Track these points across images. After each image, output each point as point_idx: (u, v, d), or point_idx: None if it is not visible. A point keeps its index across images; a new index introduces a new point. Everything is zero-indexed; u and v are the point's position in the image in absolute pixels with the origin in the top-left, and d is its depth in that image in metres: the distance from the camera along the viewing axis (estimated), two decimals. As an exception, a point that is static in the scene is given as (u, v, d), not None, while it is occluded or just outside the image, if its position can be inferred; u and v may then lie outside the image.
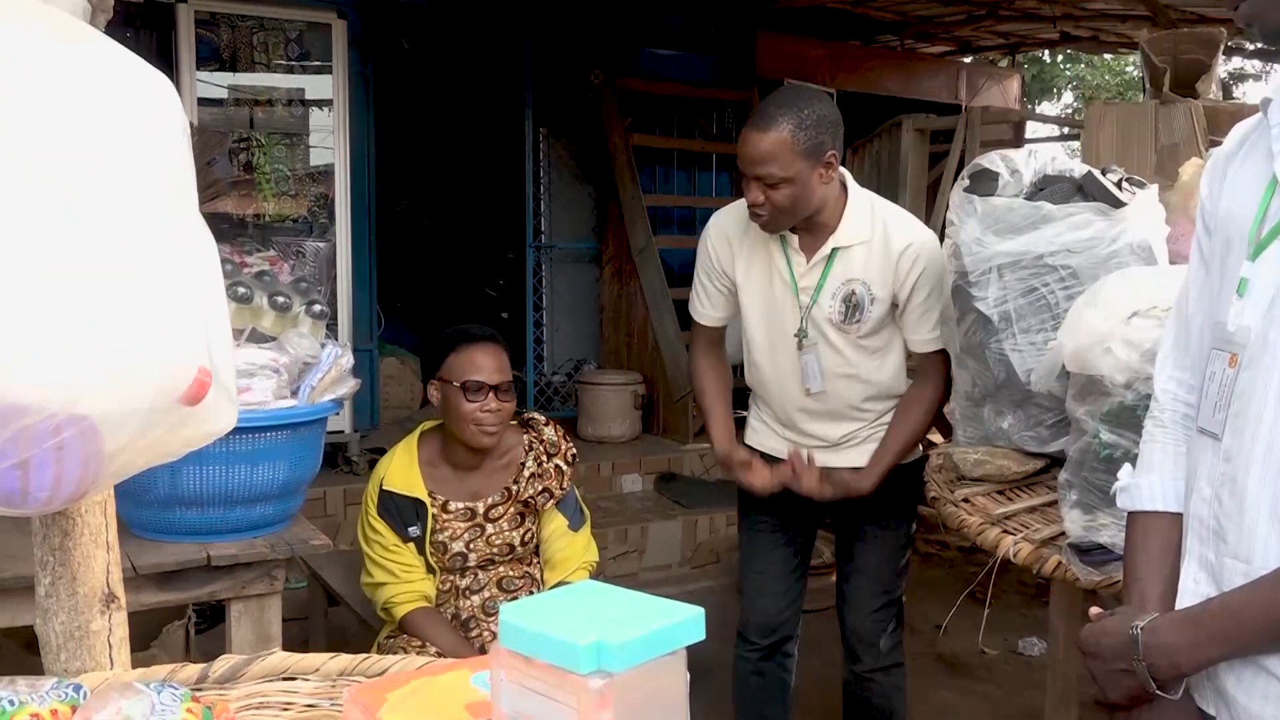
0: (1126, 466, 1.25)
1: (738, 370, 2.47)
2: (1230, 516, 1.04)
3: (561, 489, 2.30)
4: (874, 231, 2.14)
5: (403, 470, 2.24)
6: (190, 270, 0.98)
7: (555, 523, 2.32)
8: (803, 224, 2.13)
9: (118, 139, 0.93)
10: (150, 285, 0.92)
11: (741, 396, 2.45)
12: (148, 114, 0.97)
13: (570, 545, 2.32)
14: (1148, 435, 1.23)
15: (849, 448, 2.27)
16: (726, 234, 2.25)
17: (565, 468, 2.30)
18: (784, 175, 2.00)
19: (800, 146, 2.00)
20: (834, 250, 2.14)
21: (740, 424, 2.41)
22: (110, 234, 0.90)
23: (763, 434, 2.36)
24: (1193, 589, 1.09)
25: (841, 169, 2.14)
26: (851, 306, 2.15)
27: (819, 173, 2.04)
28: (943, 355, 2.20)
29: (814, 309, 2.17)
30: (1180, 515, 1.15)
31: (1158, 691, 1.07)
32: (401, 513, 2.22)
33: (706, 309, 2.33)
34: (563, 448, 2.31)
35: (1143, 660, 1.07)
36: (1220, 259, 1.11)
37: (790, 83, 5.91)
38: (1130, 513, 1.22)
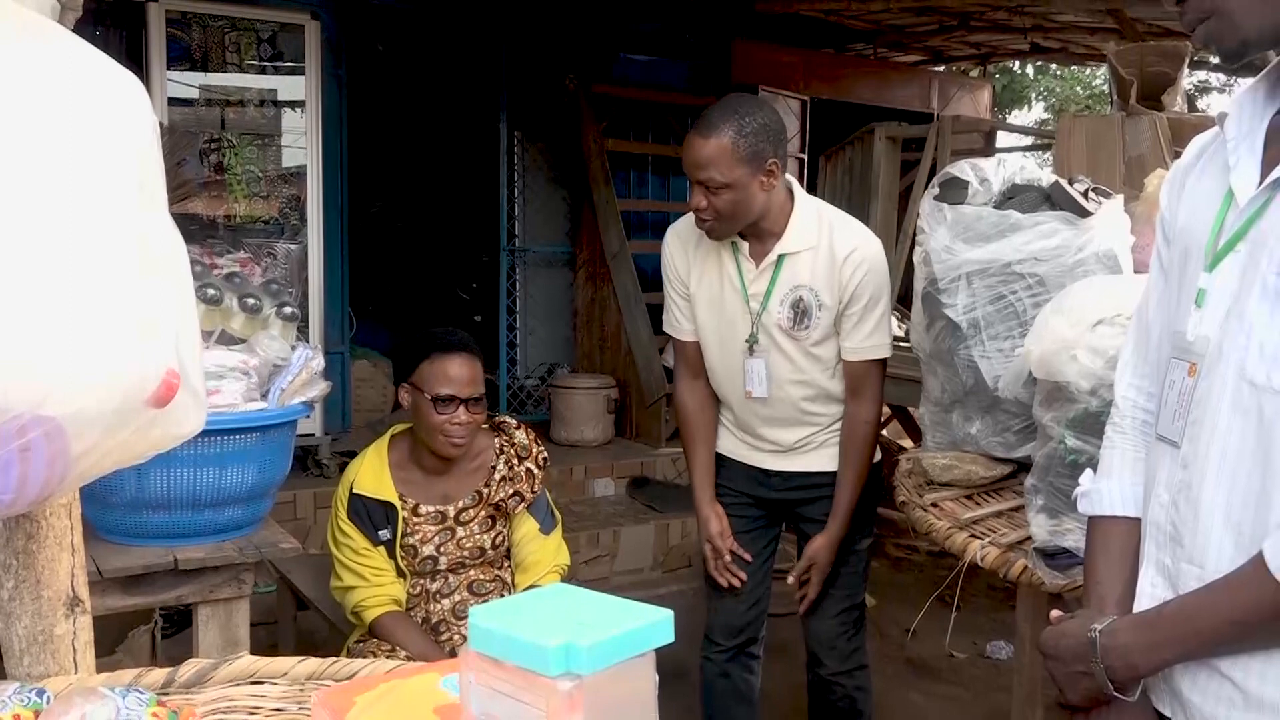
0: (1088, 472, 1.27)
1: None
2: (1186, 522, 1.06)
3: (533, 492, 2.30)
4: (820, 238, 2.16)
5: (373, 473, 2.23)
6: (159, 271, 0.97)
7: (526, 526, 2.32)
8: (751, 231, 2.15)
9: (85, 138, 0.92)
10: (118, 286, 0.91)
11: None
12: (116, 113, 0.96)
13: (541, 549, 2.32)
14: (1108, 441, 1.25)
15: (804, 453, 2.30)
16: (681, 241, 2.28)
17: (536, 471, 2.30)
18: (724, 180, 2.03)
19: (740, 153, 2.03)
20: (781, 256, 2.16)
21: None
22: (77, 234, 0.89)
23: (723, 436, 2.39)
24: (1150, 592, 1.11)
25: (788, 176, 2.17)
26: (800, 312, 2.17)
27: (760, 180, 2.06)
28: (878, 367, 2.22)
29: (764, 315, 2.19)
30: (1139, 520, 1.16)
31: (1115, 693, 1.09)
32: (372, 516, 2.21)
33: (682, 322, 2.32)
34: (534, 451, 2.31)
35: (1100, 662, 1.09)
36: (1179, 269, 1.13)
37: (764, 90, 5.95)
38: (1091, 517, 1.24)
